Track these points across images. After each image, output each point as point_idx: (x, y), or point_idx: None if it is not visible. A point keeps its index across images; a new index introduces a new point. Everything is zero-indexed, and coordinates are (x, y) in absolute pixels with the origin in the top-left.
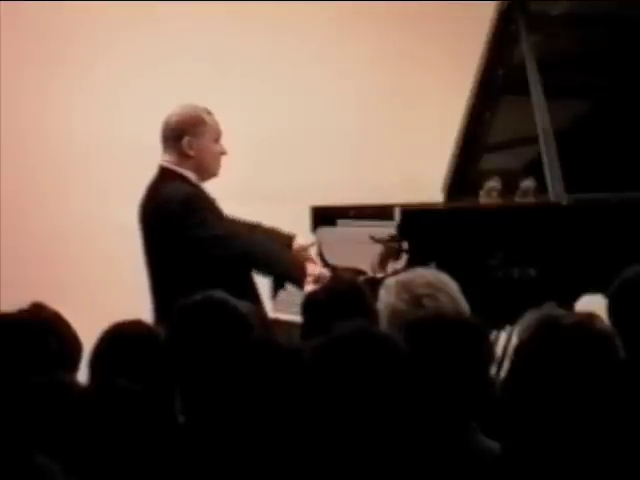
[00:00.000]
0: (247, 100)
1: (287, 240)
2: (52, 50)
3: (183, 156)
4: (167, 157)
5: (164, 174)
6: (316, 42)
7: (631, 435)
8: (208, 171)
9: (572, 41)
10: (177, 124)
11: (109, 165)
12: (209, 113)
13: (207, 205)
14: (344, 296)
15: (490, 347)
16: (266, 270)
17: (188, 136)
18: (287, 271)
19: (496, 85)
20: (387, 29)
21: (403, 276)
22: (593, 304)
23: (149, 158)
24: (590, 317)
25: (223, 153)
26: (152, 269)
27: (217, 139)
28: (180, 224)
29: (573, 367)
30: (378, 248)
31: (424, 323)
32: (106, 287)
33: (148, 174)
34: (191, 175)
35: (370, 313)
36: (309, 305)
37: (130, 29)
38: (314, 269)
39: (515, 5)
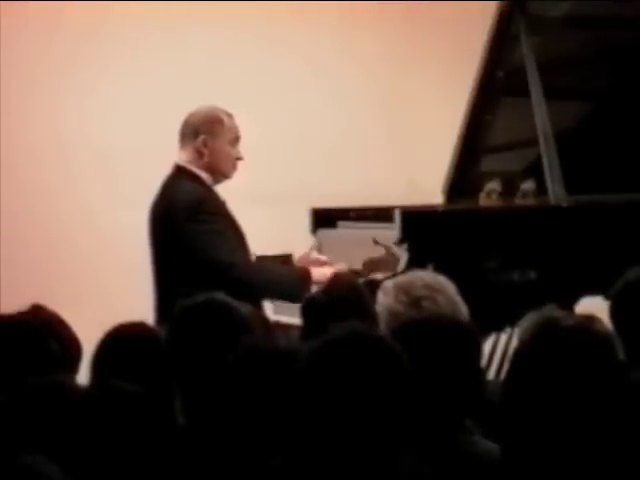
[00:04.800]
0: (247, 102)
1: (285, 261)
2: (44, 50)
3: (198, 155)
4: (183, 155)
5: (179, 173)
6: (316, 44)
7: (631, 437)
8: (221, 172)
9: (572, 42)
10: (194, 122)
11: (108, 168)
12: (229, 116)
13: (215, 210)
14: (344, 298)
15: (479, 347)
16: (267, 295)
17: (204, 134)
18: (289, 290)
19: (496, 87)
20: (387, 30)
21: (401, 278)
22: (594, 306)
23: (145, 160)
24: (590, 319)
25: (239, 158)
26: (156, 268)
27: (234, 143)
28: (185, 225)
29: (573, 369)
30: (378, 250)
31: (413, 324)
32: (106, 288)
33: (150, 176)
34: (205, 175)
35: (370, 315)
36: (309, 307)
37: (126, 30)
38: (324, 273)
39: (515, 6)
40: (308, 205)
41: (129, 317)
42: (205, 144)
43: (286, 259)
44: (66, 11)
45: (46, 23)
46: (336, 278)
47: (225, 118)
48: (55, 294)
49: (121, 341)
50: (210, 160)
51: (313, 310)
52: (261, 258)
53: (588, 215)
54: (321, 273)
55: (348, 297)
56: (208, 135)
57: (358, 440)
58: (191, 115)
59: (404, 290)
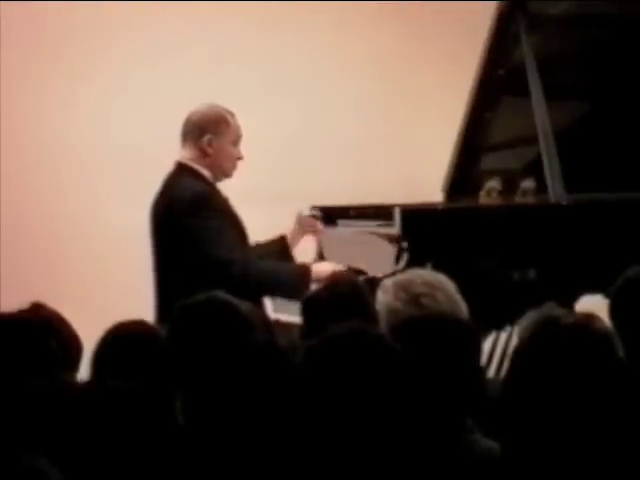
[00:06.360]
0: (247, 101)
1: (280, 243)
2: (50, 50)
3: (201, 153)
4: (185, 153)
5: (180, 170)
6: (315, 43)
7: (630, 435)
8: (223, 171)
9: (572, 41)
10: (200, 121)
11: (109, 166)
12: (232, 115)
13: (218, 207)
14: (344, 296)
15: (479, 345)
16: (265, 293)
17: (209, 134)
18: (288, 288)
19: (496, 85)
20: (387, 29)
21: (401, 276)
22: (593, 304)
23: (148, 159)
24: (590, 317)
25: (240, 158)
26: (157, 266)
27: (236, 142)
28: (185, 221)
29: (572, 367)
30: (378, 247)
31: (413, 322)
32: (106, 287)
33: (148, 175)
34: (207, 173)
35: (370, 313)
36: (309, 306)
37: (128, 30)
38: (324, 270)
39: (515, 5)
40: (308, 203)
41: (134, 316)
42: (210, 144)
43: (282, 242)
44: (68, 11)
45: (52, 25)
46: (336, 276)
47: (229, 118)
48: (60, 293)
49: (121, 339)
50: (214, 159)
51: (313, 308)
52: (258, 246)
53: (588, 213)
54: (321, 269)
55: (348, 295)
56: (214, 135)
57: (357, 438)
58: (194, 113)
59: (403, 288)
